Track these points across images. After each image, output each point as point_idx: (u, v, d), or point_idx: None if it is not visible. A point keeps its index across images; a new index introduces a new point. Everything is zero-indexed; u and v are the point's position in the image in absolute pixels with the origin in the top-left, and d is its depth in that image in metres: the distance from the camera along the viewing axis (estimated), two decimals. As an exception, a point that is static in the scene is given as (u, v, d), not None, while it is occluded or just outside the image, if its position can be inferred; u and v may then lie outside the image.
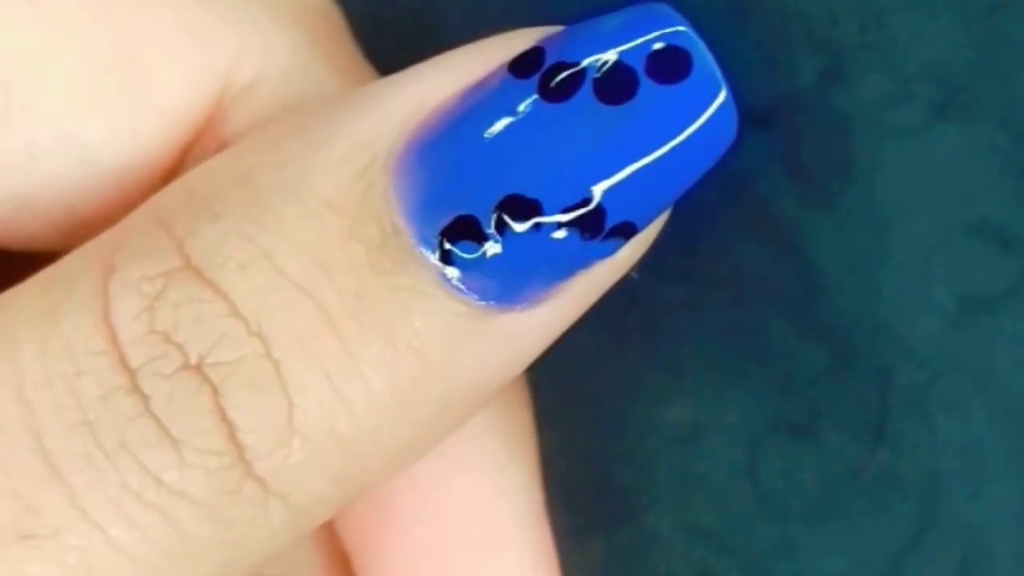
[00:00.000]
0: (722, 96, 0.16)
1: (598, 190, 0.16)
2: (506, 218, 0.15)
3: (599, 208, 0.16)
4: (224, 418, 0.15)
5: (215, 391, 0.15)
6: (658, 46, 0.16)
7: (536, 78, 0.16)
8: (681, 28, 0.16)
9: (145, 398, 0.15)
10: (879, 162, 0.23)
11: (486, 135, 0.16)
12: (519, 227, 0.15)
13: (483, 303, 0.16)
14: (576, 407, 0.24)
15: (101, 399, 0.15)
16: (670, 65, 0.16)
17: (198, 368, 0.15)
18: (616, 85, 0.16)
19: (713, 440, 0.24)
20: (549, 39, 0.16)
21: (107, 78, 0.18)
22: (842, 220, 0.23)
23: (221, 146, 0.18)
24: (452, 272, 0.16)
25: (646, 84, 0.16)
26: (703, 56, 0.16)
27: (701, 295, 0.24)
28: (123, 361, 0.15)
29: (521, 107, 0.16)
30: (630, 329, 0.24)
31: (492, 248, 0.16)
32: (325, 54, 0.19)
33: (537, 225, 0.16)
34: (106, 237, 0.16)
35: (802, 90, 0.23)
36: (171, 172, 0.18)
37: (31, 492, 0.15)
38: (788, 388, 0.23)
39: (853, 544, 0.23)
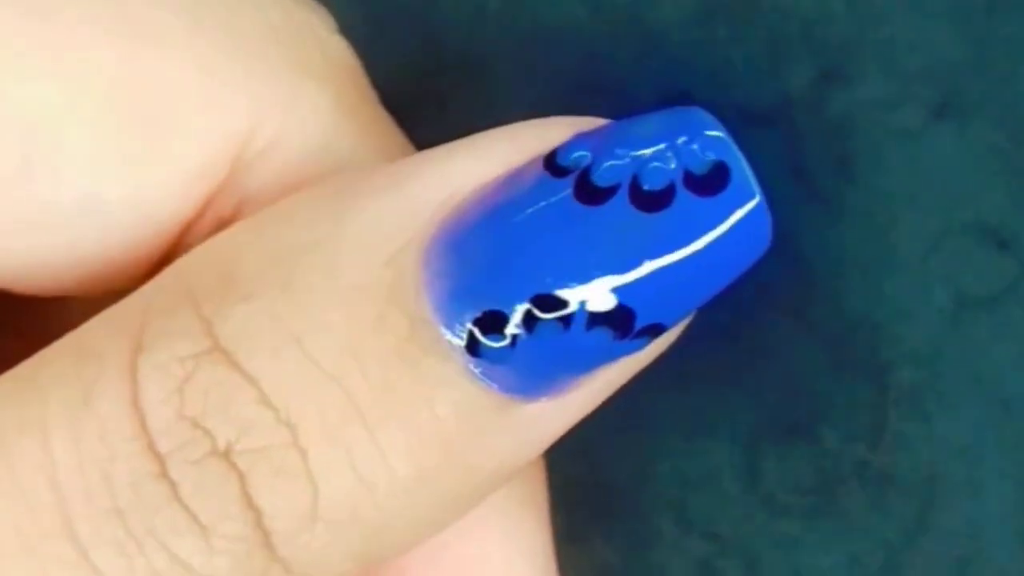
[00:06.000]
0: (756, 205, 0.16)
1: (629, 293, 0.15)
2: (535, 314, 0.15)
3: (629, 310, 0.16)
4: (251, 505, 0.15)
5: (242, 478, 0.15)
6: (697, 158, 0.16)
7: (572, 178, 0.16)
8: (719, 135, 0.16)
9: (174, 484, 0.15)
10: (879, 162, 0.23)
11: (519, 232, 0.15)
12: (547, 324, 0.15)
13: (507, 394, 0.16)
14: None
15: (131, 485, 0.15)
16: (708, 178, 0.16)
17: (226, 455, 0.15)
18: (653, 195, 0.15)
19: (713, 439, 0.24)
20: (585, 136, 0.16)
21: (127, 136, 0.17)
22: (842, 220, 0.23)
23: (239, 205, 0.18)
24: (478, 363, 0.16)
25: (683, 194, 0.15)
26: (740, 166, 0.16)
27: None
28: (152, 447, 0.15)
29: (556, 207, 0.16)
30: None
31: (519, 343, 0.15)
32: (348, 113, 0.18)
33: (566, 323, 0.15)
34: (133, 306, 0.16)
35: (802, 90, 0.23)
36: (188, 229, 0.18)
37: None
38: (788, 388, 0.23)
39: (852, 543, 0.24)
